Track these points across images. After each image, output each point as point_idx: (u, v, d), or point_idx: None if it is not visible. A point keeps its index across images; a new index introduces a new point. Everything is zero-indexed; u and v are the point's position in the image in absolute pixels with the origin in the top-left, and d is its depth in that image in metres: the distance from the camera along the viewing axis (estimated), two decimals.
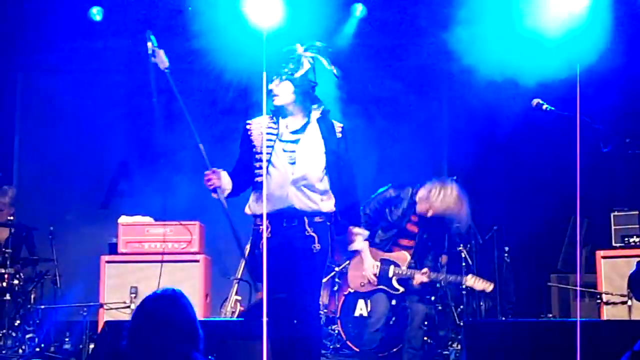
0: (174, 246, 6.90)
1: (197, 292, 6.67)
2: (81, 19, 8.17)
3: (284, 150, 4.31)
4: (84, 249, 8.03)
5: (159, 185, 8.36)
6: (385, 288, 5.68)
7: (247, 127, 4.44)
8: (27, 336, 6.83)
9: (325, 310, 7.19)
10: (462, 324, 6.69)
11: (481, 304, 7.16)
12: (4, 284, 6.86)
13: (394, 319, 6.07)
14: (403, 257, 5.72)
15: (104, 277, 6.77)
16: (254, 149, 4.38)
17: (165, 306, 2.72)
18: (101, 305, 6.64)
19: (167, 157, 8.39)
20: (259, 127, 4.38)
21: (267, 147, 4.30)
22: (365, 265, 5.62)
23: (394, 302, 5.72)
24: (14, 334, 6.74)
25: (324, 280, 7.06)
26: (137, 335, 2.66)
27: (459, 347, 6.43)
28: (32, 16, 8.04)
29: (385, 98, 8.65)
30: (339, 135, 4.41)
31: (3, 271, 6.89)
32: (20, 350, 6.61)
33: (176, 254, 6.86)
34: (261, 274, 3.91)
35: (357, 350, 6.55)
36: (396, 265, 5.69)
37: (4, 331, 6.72)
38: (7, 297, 6.82)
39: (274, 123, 4.37)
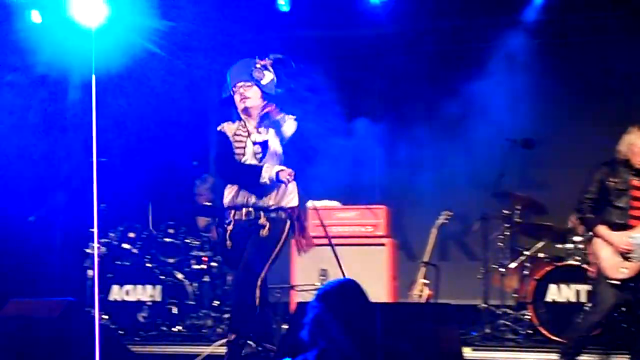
0: (361, 230, 6.99)
1: (384, 276, 6.73)
2: None
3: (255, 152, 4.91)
4: None
5: (344, 170, 8.51)
6: None
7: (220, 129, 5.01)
8: (225, 316, 7.15)
9: (515, 296, 7.04)
10: None
11: None
12: (204, 267, 7.24)
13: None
14: None
15: (294, 259, 6.98)
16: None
17: (345, 294, 2.75)
18: (292, 287, 6.85)
19: (354, 141, 8.50)
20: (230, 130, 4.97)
21: (239, 147, 4.91)
22: (614, 242, 5.30)
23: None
24: (213, 314, 7.07)
25: (512, 265, 6.94)
26: (316, 325, 2.69)
27: None
28: None
29: None
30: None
31: (202, 254, 7.27)
32: (219, 330, 6.92)
33: (363, 237, 6.94)
34: None
35: (551, 336, 6.38)
36: None
37: (204, 311, 7.08)
38: (206, 279, 7.19)
39: (243, 125, 4.94)
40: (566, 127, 8.29)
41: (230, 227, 5.02)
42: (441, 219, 7.14)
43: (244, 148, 4.92)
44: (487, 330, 6.68)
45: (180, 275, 7.27)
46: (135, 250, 7.35)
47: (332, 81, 7.90)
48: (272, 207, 5.01)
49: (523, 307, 6.75)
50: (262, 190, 4.94)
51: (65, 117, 8.54)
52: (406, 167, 8.87)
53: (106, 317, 7.07)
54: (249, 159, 4.93)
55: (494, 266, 7.09)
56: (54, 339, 4.10)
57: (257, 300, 4.87)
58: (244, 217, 5.00)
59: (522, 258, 6.92)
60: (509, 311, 6.89)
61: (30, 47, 7.18)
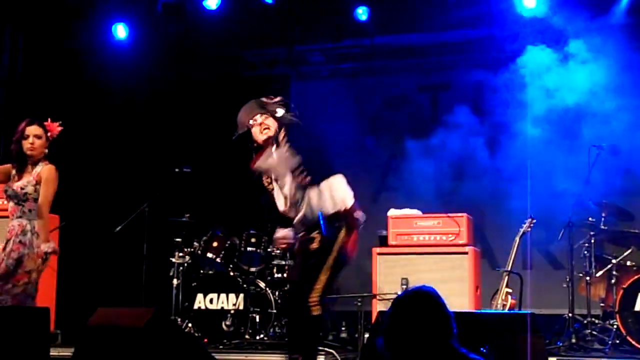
0: (442, 238, 6.94)
1: (467, 284, 6.67)
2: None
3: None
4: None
5: (424, 178, 8.47)
6: None
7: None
8: None
9: (602, 305, 6.88)
10: None
11: None
12: (285, 276, 7.30)
13: None
14: None
15: (376, 268, 6.98)
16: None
17: (417, 303, 2.73)
18: (374, 296, 6.84)
19: (434, 150, 8.47)
20: None
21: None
22: None
23: None
24: None
25: (599, 273, 6.78)
26: (391, 332, 2.69)
27: None
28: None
29: None
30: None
31: (283, 263, 7.34)
32: None
33: (445, 245, 6.90)
34: None
35: (639, 346, 6.21)
36: None
37: (286, 320, 7.12)
38: (288, 287, 7.24)
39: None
40: None
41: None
42: (524, 227, 7.03)
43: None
44: (573, 340, 6.54)
45: (262, 284, 7.35)
46: (218, 260, 7.47)
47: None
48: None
49: (610, 317, 6.59)
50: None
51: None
52: (490, 174, 8.77)
53: (190, 325, 7.19)
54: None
55: (579, 275, 6.94)
56: (140, 348, 4.19)
57: (314, 313, 4.79)
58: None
59: (609, 266, 6.76)
60: (595, 321, 6.74)
61: None
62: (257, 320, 7.19)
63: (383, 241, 7.16)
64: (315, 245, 4.86)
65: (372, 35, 8.91)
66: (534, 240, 8.16)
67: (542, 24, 8.31)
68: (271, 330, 7.16)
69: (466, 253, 6.80)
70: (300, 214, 4.90)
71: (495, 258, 8.16)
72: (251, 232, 7.52)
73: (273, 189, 4.99)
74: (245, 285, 7.26)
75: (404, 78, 8.79)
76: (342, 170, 9.09)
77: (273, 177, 4.97)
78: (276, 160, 4.91)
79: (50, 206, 5.10)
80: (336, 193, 4.91)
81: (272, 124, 4.98)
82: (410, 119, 8.26)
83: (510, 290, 6.92)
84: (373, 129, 8.95)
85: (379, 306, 6.72)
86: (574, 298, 6.85)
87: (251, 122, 5.00)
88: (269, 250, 7.42)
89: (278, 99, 5.10)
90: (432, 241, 6.96)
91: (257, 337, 7.06)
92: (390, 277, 6.86)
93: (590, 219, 6.87)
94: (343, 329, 7.66)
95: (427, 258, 6.78)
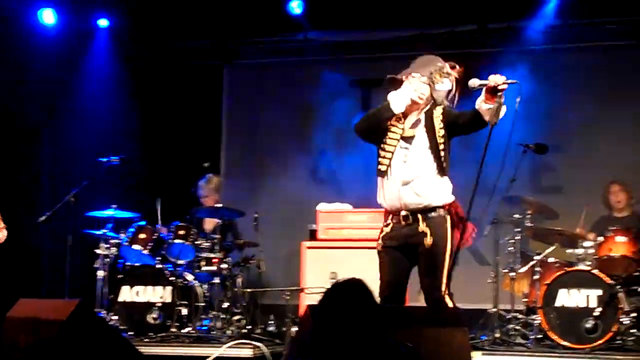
0: (371, 233, 6.98)
1: None
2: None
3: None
4: (285, 235, 8.33)
5: (355, 173, 8.52)
6: None
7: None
8: (235, 318, 7.15)
9: (525, 300, 7.03)
10: None
11: None
12: (213, 269, 7.25)
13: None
14: None
15: (304, 262, 6.98)
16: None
17: (349, 292, 2.73)
18: (302, 290, 6.85)
19: (365, 145, 8.51)
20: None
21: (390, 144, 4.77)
22: None
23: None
24: (222, 316, 7.07)
25: (523, 269, 6.92)
26: (322, 322, 2.68)
27: None
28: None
29: None
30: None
31: (212, 256, 7.28)
32: (229, 332, 6.92)
33: (374, 240, 6.91)
34: None
35: (560, 341, 6.36)
36: None
37: (214, 313, 7.08)
38: (216, 280, 7.20)
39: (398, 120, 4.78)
40: (579, 134, 8.29)
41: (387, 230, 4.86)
42: None
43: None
44: (497, 335, 6.66)
45: (190, 277, 7.28)
46: (145, 251, 7.36)
47: None
48: (430, 207, 4.73)
49: (533, 312, 6.73)
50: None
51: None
52: None
53: (115, 318, 7.08)
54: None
55: (504, 271, 7.07)
56: (63, 341, 4.11)
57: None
58: (402, 222, 4.78)
59: (533, 263, 6.90)
60: (519, 316, 6.88)
61: None
62: (184, 313, 7.12)
63: (312, 235, 7.18)
64: (429, 242, 4.67)
65: (306, 30, 8.91)
66: None
67: None
68: (198, 323, 7.10)
69: None
70: (407, 197, 4.71)
71: None
72: (180, 223, 7.44)
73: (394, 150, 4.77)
74: (172, 278, 7.18)
75: (337, 73, 8.81)
76: (274, 164, 9.17)
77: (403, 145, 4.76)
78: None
79: None
80: (442, 186, 4.75)
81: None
82: (343, 114, 8.28)
83: None
84: (305, 123, 8.95)
85: (307, 300, 6.72)
86: (498, 293, 6.97)
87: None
88: (197, 242, 7.35)
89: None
90: (362, 236, 6.99)
91: (184, 331, 6.99)
92: (318, 271, 6.87)
93: (515, 215, 7.00)
94: (271, 322, 7.65)
95: (356, 252, 6.81)
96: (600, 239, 6.79)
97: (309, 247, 7.04)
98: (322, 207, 7.25)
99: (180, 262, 7.35)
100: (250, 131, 9.38)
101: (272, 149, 9.18)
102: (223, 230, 7.49)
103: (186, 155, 8.80)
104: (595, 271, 6.54)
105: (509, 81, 4.39)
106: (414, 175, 4.71)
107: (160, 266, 7.28)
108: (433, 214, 4.71)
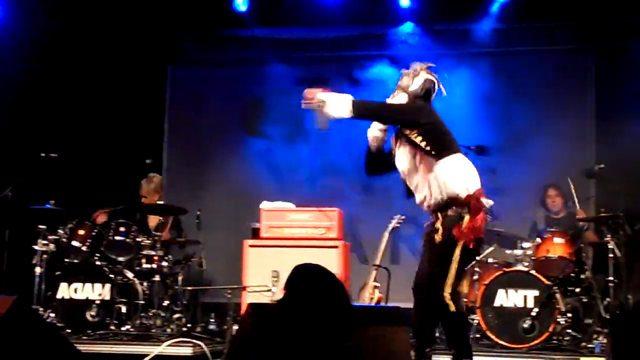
0: (314, 232, 7.00)
1: None
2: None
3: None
4: (228, 233, 8.29)
5: (298, 172, 8.53)
6: None
7: None
8: (175, 316, 7.10)
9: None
10: (608, 316, 6.45)
11: (628, 297, 6.87)
12: (154, 266, 7.17)
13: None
14: None
15: (246, 260, 6.96)
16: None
17: (311, 273, 2.69)
18: (244, 288, 6.83)
19: (311, 145, 8.56)
20: None
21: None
22: None
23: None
24: (162, 314, 7.01)
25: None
26: (287, 305, 2.61)
27: (604, 340, 6.21)
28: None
29: None
30: None
31: (153, 253, 7.20)
32: (169, 330, 6.87)
33: (316, 239, 6.96)
34: None
35: (498, 341, 6.46)
36: None
37: (154, 311, 7.01)
38: (157, 278, 7.12)
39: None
40: (519, 136, 8.42)
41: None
42: (394, 223, 7.19)
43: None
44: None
45: (130, 274, 7.20)
46: (84, 248, 7.25)
47: None
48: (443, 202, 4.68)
49: (471, 312, 6.82)
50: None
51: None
52: (362, 169, 8.92)
53: (53, 315, 6.96)
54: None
55: None
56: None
57: (451, 309, 4.62)
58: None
59: (472, 263, 6.97)
60: None
61: None
62: (123, 311, 7.03)
63: (255, 233, 7.16)
64: (439, 237, 4.64)
65: (251, 27, 8.88)
66: (403, 236, 8.38)
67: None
68: (137, 321, 7.02)
69: (337, 247, 6.88)
70: (422, 193, 4.72)
71: (365, 252, 8.31)
72: (120, 220, 7.34)
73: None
74: (111, 275, 7.09)
75: (282, 71, 8.79)
76: (218, 161, 9.12)
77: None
78: None
79: None
80: (462, 174, 4.69)
81: (400, 101, 4.91)
82: (287, 112, 8.28)
83: (378, 284, 7.06)
84: (249, 120, 8.93)
85: (248, 298, 6.70)
86: None
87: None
88: (138, 239, 7.27)
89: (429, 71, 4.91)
90: (304, 235, 7.02)
91: (123, 328, 6.91)
92: (261, 269, 6.85)
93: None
94: (212, 320, 7.61)
95: (298, 251, 6.82)
96: (538, 240, 6.92)
97: (252, 246, 7.03)
98: (265, 205, 7.24)
99: (120, 259, 7.26)
100: (193, 128, 9.30)
101: (216, 146, 9.12)
102: (164, 227, 7.41)
103: (128, 151, 8.68)
104: (533, 272, 6.66)
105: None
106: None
107: (99, 263, 7.18)
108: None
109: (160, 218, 7.36)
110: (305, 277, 2.66)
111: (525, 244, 6.94)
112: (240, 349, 3.84)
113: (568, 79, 8.54)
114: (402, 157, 4.82)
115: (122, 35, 9.00)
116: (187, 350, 6.29)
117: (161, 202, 7.56)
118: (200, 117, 9.26)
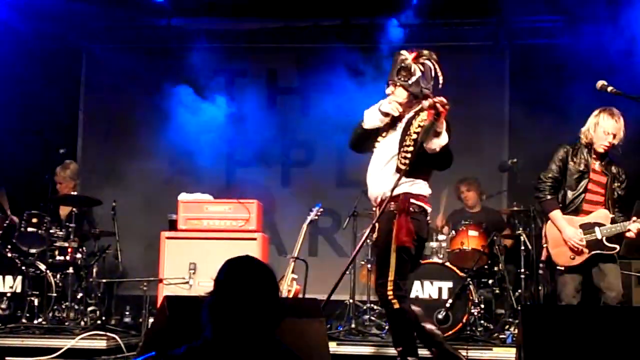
0: (232, 224, 6.97)
1: None
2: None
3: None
4: (144, 225, 8.18)
5: (218, 163, 8.48)
6: (600, 252, 5.34)
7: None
8: (89, 309, 6.98)
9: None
10: (519, 307, 6.63)
11: (540, 288, 7.06)
12: (67, 258, 7.03)
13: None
14: (603, 214, 5.38)
15: (163, 252, 6.89)
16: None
17: (245, 263, 2.67)
18: (160, 280, 6.75)
19: (229, 137, 8.52)
20: None
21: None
22: (567, 236, 5.33)
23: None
24: (76, 307, 6.89)
25: None
26: (221, 297, 2.57)
27: (516, 330, 6.37)
28: None
29: None
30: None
31: (66, 245, 7.06)
32: (83, 323, 6.75)
33: (235, 231, 6.93)
34: None
35: None
36: (600, 224, 5.35)
37: (67, 304, 6.88)
38: (70, 270, 6.98)
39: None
40: None
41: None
42: (312, 215, 7.21)
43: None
44: (353, 325, 6.80)
45: (42, 266, 7.04)
46: None
47: None
48: (385, 200, 4.68)
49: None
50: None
51: None
52: (279, 163, 8.95)
53: None
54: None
55: (361, 262, 7.22)
56: None
57: (395, 307, 4.68)
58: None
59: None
60: (374, 307, 7.04)
61: None
62: (36, 303, 6.87)
63: (172, 225, 7.07)
64: (375, 235, 4.71)
65: (170, 16, 8.77)
66: (321, 229, 8.43)
67: None
68: (50, 314, 6.87)
69: (255, 239, 6.87)
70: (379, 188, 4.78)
71: (283, 244, 8.33)
72: (32, 211, 7.16)
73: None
74: (23, 267, 6.92)
75: (200, 61, 8.70)
76: (134, 151, 8.97)
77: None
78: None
79: None
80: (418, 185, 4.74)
81: (400, 95, 4.83)
82: (205, 102, 8.22)
83: (295, 276, 7.07)
84: (167, 111, 8.81)
85: (165, 291, 6.63)
86: (355, 285, 7.11)
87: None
88: (51, 231, 7.10)
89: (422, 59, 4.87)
90: (222, 226, 6.97)
91: (35, 322, 6.75)
92: (178, 261, 6.79)
93: (373, 209, 7.15)
94: (127, 313, 7.51)
95: (217, 243, 6.78)
96: (453, 232, 7.05)
97: (168, 237, 6.94)
98: (182, 197, 7.17)
99: (32, 251, 7.08)
100: (109, 117, 9.14)
101: (132, 136, 8.98)
102: (78, 218, 7.25)
103: (41, 141, 8.46)
104: (448, 264, 6.79)
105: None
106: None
107: (10, 255, 7.00)
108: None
109: (72, 208, 7.21)
110: (239, 268, 2.65)
111: (441, 236, 7.07)
112: (155, 342, 3.80)
113: (483, 75, 8.73)
114: (384, 148, 4.83)
115: (40, 21, 8.75)
116: (101, 343, 6.20)
117: (75, 193, 7.39)
118: (116, 106, 9.10)
